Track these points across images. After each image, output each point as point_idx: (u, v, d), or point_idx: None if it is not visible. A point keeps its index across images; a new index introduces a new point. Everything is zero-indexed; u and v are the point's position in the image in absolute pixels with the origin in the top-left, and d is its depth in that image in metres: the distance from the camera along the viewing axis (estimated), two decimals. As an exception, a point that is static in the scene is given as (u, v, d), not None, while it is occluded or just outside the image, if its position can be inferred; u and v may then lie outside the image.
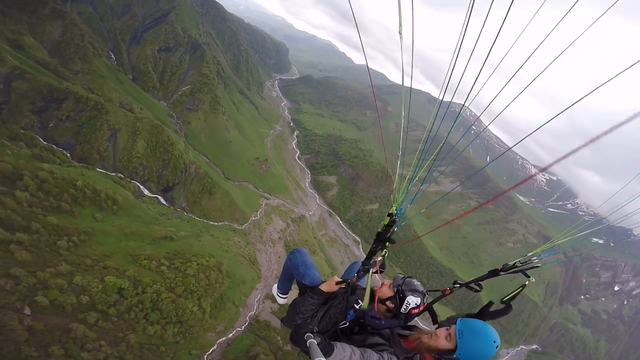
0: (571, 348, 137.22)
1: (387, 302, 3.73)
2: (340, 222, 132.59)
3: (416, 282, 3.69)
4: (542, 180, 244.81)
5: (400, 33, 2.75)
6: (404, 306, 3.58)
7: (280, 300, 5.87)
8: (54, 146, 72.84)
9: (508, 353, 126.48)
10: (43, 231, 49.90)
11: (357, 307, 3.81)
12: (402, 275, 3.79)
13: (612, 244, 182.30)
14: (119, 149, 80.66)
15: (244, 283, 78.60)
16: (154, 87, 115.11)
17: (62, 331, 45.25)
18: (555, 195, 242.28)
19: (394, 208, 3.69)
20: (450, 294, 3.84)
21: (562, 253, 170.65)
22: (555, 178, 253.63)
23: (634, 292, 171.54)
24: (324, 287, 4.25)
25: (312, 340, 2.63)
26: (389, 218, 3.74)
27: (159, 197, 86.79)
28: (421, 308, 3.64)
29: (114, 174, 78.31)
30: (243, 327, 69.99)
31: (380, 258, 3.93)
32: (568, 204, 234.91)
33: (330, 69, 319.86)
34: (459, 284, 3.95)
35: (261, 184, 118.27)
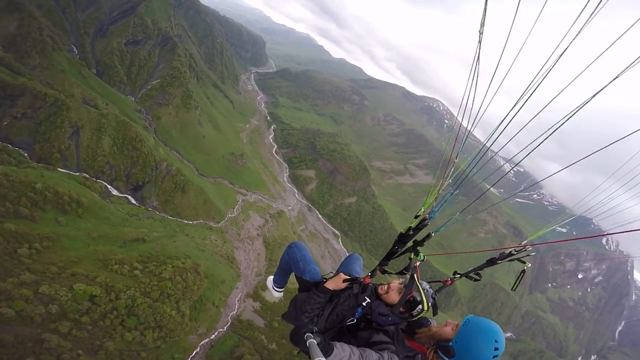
0: (543, 335, 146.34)
1: (400, 307, 3.70)
2: (320, 216, 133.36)
3: (427, 288, 3.70)
4: (510, 172, 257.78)
5: (480, 32, 2.69)
6: (416, 311, 3.58)
7: (276, 294, 5.77)
8: (9, 146, 67.62)
9: None
10: (0, 239, 46.64)
11: (364, 304, 3.79)
12: (423, 283, 3.76)
13: (574, 233, 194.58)
14: (83, 147, 76.24)
15: (223, 283, 77.58)
16: (121, 81, 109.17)
17: (33, 342, 43.50)
18: (522, 186, 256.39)
19: (423, 210, 3.53)
20: (451, 284, 3.98)
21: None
22: (522, 170, 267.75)
23: (595, 280, 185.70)
24: (329, 285, 4.16)
25: (312, 340, 2.63)
26: (416, 220, 3.57)
27: (129, 196, 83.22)
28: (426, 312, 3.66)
29: (77, 173, 74.03)
30: (225, 327, 69.30)
31: (418, 263, 3.74)
32: (534, 194, 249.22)
33: (309, 62, 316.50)
34: (459, 274, 4.03)
35: (237, 180, 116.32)
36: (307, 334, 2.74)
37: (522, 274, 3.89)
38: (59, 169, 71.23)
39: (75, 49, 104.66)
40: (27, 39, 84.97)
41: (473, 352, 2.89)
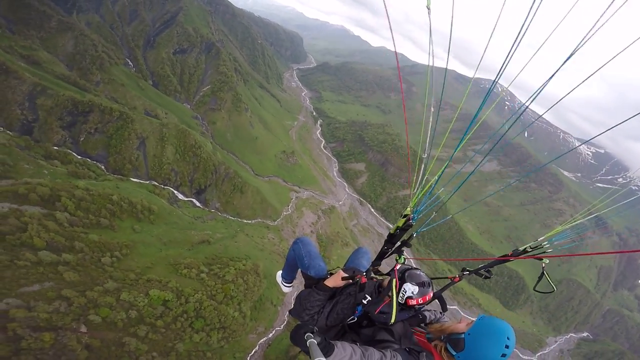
0: (626, 335, 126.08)
1: (386, 298, 3.55)
2: (372, 210, 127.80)
3: (419, 273, 3.48)
4: (587, 154, 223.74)
5: (428, 7, 2.61)
6: (400, 294, 3.39)
7: (285, 289, 5.71)
8: (88, 160, 73.10)
9: (556, 341, 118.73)
10: (87, 249, 49.54)
11: (365, 302, 3.65)
12: (407, 266, 3.60)
13: None
14: (150, 157, 80.00)
15: (282, 282, 77.01)
16: (175, 90, 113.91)
17: (116, 346, 45.73)
18: (604, 169, 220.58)
19: (409, 209, 3.39)
20: (459, 281, 3.75)
21: (614, 234, 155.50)
22: (602, 151, 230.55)
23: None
24: (329, 283, 4.06)
25: (312, 340, 2.55)
26: (403, 220, 3.47)
27: (193, 199, 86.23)
28: (421, 300, 3.36)
29: (147, 182, 77.95)
30: (282, 326, 69.61)
31: (399, 266, 3.52)
32: (619, 177, 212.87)
33: (347, 54, 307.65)
34: (468, 270, 3.80)
35: (290, 177, 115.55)
36: (307, 334, 2.65)
37: (542, 273, 3.61)
38: (132, 179, 75.47)
39: (130, 62, 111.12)
40: (85, 56, 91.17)
41: (484, 346, 2.73)
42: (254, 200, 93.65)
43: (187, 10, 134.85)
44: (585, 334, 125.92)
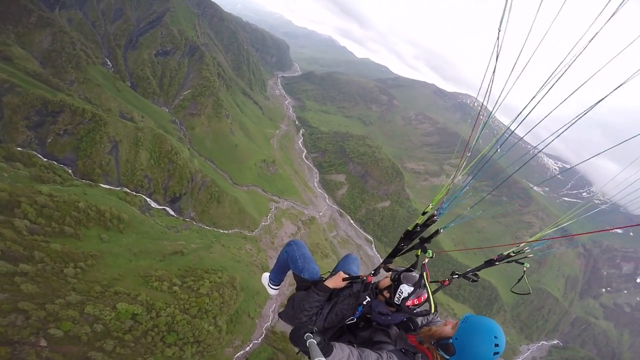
0: (594, 342, 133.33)
1: (384, 292, 3.64)
2: (352, 221, 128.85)
3: (414, 274, 3.52)
4: (554, 169, 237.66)
5: (499, 30, 2.62)
6: (397, 295, 3.45)
7: (271, 292, 5.63)
8: (55, 163, 69.24)
9: (529, 349, 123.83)
10: (47, 259, 46.57)
11: (365, 303, 3.66)
12: (401, 268, 3.67)
13: (631, 234, 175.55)
14: (122, 162, 76.88)
15: (258, 294, 75.88)
16: (154, 92, 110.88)
17: None
18: (570, 184, 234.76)
19: (431, 206, 3.34)
20: (449, 284, 3.78)
21: (579, 245, 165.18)
22: (568, 166, 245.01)
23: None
24: (329, 284, 4.05)
25: (311, 340, 2.57)
26: (423, 217, 3.38)
27: (167, 208, 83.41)
28: (416, 300, 3.39)
29: (118, 188, 74.67)
30: (260, 339, 68.39)
31: (426, 260, 3.44)
32: (583, 192, 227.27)
33: (333, 64, 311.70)
34: (457, 274, 3.90)
35: (270, 187, 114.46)
36: (306, 334, 2.67)
37: (523, 275, 3.90)
38: (101, 185, 72.11)
39: (109, 62, 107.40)
40: (61, 54, 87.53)
41: (473, 348, 2.76)
42: (231, 210, 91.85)
43: (174, 12, 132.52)
44: (555, 342, 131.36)
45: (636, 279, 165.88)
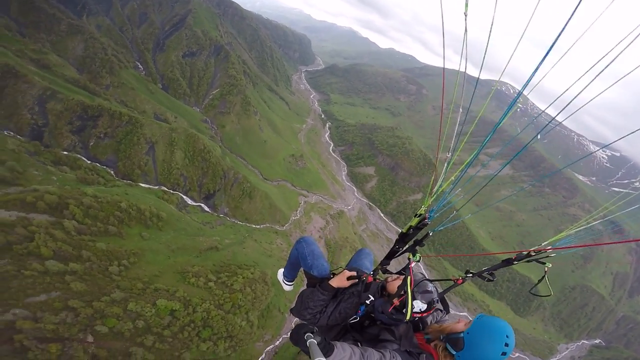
0: None
1: (395, 300, 3.48)
2: (382, 214, 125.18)
3: (431, 287, 3.38)
4: (603, 157, 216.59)
5: (465, 14, 2.55)
6: (408, 307, 3.29)
7: (286, 287, 5.69)
8: (98, 165, 72.44)
9: (567, 348, 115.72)
10: (94, 258, 48.50)
11: (368, 302, 3.63)
12: (422, 276, 3.56)
13: None
14: (159, 162, 79.10)
15: (289, 289, 75.68)
16: (185, 93, 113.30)
17: (123, 355, 44.80)
18: (620, 173, 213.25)
19: (424, 208, 3.32)
20: (462, 283, 3.70)
21: (630, 238, 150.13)
22: (618, 154, 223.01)
23: None
24: (334, 283, 3.98)
25: (312, 340, 2.55)
26: (417, 219, 3.41)
27: (202, 204, 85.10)
28: (425, 314, 3.30)
29: (157, 187, 76.99)
30: (289, 333, 68.87)
31: (414, 264, 3.46)
32: (635, 181, 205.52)
33: (355, 55, 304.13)
34: (471, 273, 3.74)
35: (298, 182, 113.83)
36: (307, 334, 2.65)
37: (543, 276, 3.64)
38: (141, 184, 74.60)
39: (139, 65, 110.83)
40: (95, 59, 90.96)
41: (484, 345, 2.72)
42: (262, 205, 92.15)
43: (196, 13, 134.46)
44: (597, 341, 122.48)
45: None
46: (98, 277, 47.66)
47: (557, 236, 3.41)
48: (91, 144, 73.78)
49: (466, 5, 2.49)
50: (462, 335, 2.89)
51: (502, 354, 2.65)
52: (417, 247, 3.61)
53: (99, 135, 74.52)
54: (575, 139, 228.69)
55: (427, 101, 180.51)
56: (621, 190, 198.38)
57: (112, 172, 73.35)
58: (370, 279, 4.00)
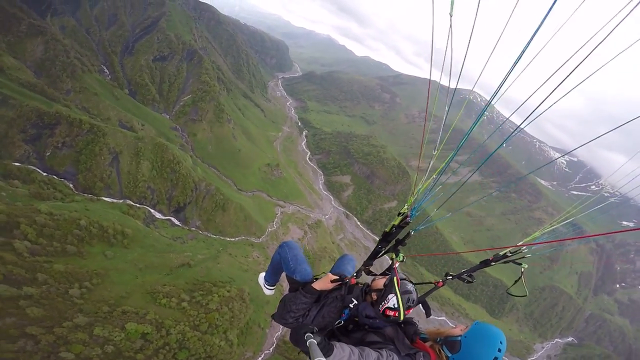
0: (609, 339, 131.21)
1: (373, 294, 3.63)
2: (358, 223, 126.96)
3: (410, 287, 3.47)
4: (562, 162, 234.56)
5: (450, 14, 2.64)
6: (383, 301, 3.40)
7: (267, 292, 5.65)
8: (55, 177, 67.48)
9: (543, 347, 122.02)
10: (51, 281, 44.90)
11: (351, 306, 3.64)
12: (404, 276, 3.62)
13: None
14: (124, 174, 75.10)
15: (268, 303, 74.37)
16: (154, 99, 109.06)
17: None
18: (578, 177, 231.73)
19: (406, 207, 3.39)
20: (442, 286, 3.78)
21: (591, 241, 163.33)
22: (575, 159, 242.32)
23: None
24: (317, 286, 3.96)
25: (312, 340, 2.58)
26: (399, 218, 3.45)
27: (172, 218, 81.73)
28: (396, 314, 3.32)
29: (121, 201, 72.92)
30: (271, 349, 67.32)
31: (397, 264, 3.58)
32: (592, 185, 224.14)
33: (333, 63, 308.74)
34: (451, 275, 3.90)
35: (275, 192, 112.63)
36: (307, 334, 2.68)
37: (520, 276, 3.85)
38: (104, 198, 70.36)
39: (105, 69, 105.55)
40: (55, 62, 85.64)
41: (479, 348, 2.92)
42: (237, 217, 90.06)
43: (170, 16, 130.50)
44: (570, 339, 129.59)
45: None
46: (57, 301, 44.17)
47: (529, 237, 3.62)
48: (47, 154, 68.69)
49: (452, 5, 2.56)
50: (459, 338, 3.05)
51: (494, 358, 2.85)
52: (399, 247, 3.67)
53: (56, 144, 69.60)
54: (537, 145, 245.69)
55: (400, 109, 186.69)
56: (580, 193, 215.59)
57: (71, 185, 68.62)
58: (354, 280, 3.97)
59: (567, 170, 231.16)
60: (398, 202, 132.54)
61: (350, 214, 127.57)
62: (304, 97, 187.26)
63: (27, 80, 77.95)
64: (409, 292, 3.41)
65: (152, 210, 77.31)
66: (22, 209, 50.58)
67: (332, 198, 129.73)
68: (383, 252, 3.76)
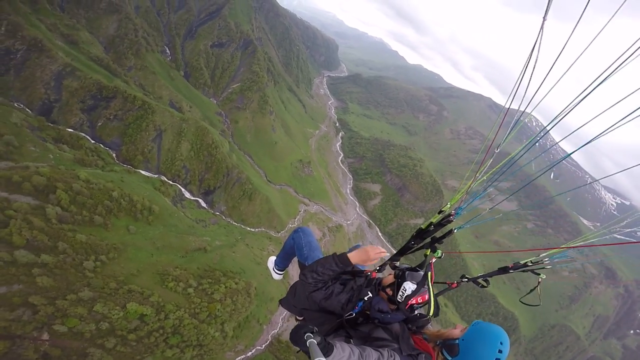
0: None
1: (387, 289, 3.44)
2: (380, 234, 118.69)
3: (420, 272, 3.33)
4: (611, 204, 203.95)
5: (544, 18, 2.39)
6: (400, 292, 3.26)
7: (276, 276, 5.47)
8: (101, 146, 68.45)
9: None
10: (70, 251, 44.10)
11: (366, 299, 3.40)
12: (407, 266, 3.49)
13: None
14: (164, 150, 74.71)
15: (272, 300, 70.95)
16: (205, 84, 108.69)
17: (78, 355, 40.56)
18: (625, 222, 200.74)
19: (449, 206, 3.15)
20: (456, 287, 3.60)
21: (621, 286, 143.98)
22: (628, 203, 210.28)
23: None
24: (353, 258, 3.45)
25: (312, 340, 2.46)
26: (439, 216, 3.23)
27: (200, 200, 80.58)
28: (419, 299, 3.21)
29: (156, 176, 72.62)
30: (264, 346, 63.84)
31: (434, 260, 3.39)
32: (639, 231, 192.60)
33: (381, 67, 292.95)
34: (467, 278, 3.67)
35: (302, 189, 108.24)
36: (307, 334, 2.55)
37: (537, 285, 3.70)
38: (141, 171, 70.29)
39: (167, 50, 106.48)
40: (124, 40, 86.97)
41: (478, 351, 2.72)
42: (261, 208, 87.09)
43: (233, 4, 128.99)
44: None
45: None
46: (69, 272, 43.32)
47: (553, 250, 3.30)
48: (99, 124, 69.81)
49: (547, 10, 2.25)
50: (457, 342, 2.85)
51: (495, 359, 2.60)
52: (436, 245, 3.32)
53: (108, 116, 70.45)
54: (588, 181, 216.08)
55: (446, 124, 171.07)
56: (623, 237, 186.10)
57: (114, 154, 69.31)
58: (375, 274, 3.72)
59: (615, 213, 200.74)
60: (425, 220, 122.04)
61: (373, 224, 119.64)
62: (347, 98, 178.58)
63: (97, 54, 79.87)
64: (418, 271, 3.30)
65: (182, 189, 76.53)
66: (63, 173, 50.64)
67: (358, 204, 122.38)
68: (416, 248, 3.48)
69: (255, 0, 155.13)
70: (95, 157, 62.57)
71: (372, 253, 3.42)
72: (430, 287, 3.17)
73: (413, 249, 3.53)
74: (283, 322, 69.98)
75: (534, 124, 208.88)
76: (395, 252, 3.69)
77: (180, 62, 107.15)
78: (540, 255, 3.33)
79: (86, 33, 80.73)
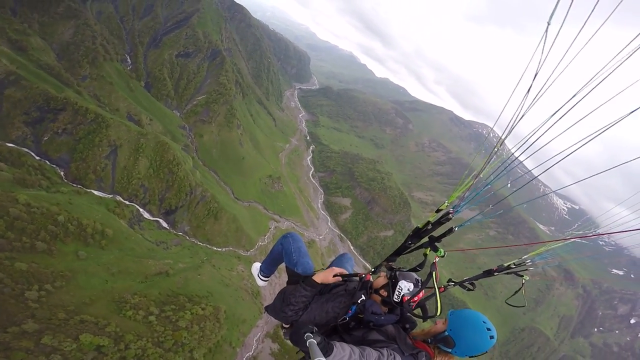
0: None
1: (381, 291, 3.51)
2: (352, 247, 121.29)
3: (412, 273, 3.49)
4: (563, 209, 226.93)
5: (548, 23, 2.39)
6: (396, 292, 3.31)
7: (260, 282, 5.45)
8: (47, 163, 63.93)
9: None
10: (8, 281, 40.50)
11: (359, 302, 3.47)
12: (398, 267, 3.62)
13: (632, 276, 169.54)
14: (119, 168, 71.31)
15: (244, 322, 69.31)
16: (168, 95, 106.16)
17: None
18: (576, 225, 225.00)
19: (446, 204, 3.11)
20: (444, 291, 3.59)
21: (579, 286, 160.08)
22: (577, 207, 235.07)
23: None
24: (317, 278, 3.73)
25: (312, 340, 2.52)
26: (436, 214, 3.22)
27: (160, 220, 77.29)
28: (416, 298, 3.33)
29: (110, 196, 68.86)
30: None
31: (437, 259, 3.36)
32: (589, 233, 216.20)
33: (351, 80, 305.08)
34: (453, 282, 3.82)
35: (272, 205, 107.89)
36: (307, 334, 2.61)
37: (520, 287, 3.92)
38: (93, 191, 66.34)
39: (129, 59, 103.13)
40: (79, 47, 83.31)
41: (469, 336, 2.92)
42: (228, 227, 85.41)
43: (203, 13, 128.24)
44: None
45: (630, 320, 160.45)
46: (9, 303, 39.73)
47: (534, 252, 3.52)
48: (45, 138, 65.38)
49: (552, 13, 2.29)
50: (446, 333, 3.02)
51: (490, 338, 2.84)
52: (436, 244, 3.32)
53: (56, 130, 66.32)
54: (541, 190, 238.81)
55: (411, 137, 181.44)
56: (576, 240, 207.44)
57: (62, 173, 64.93)
58: (369, 277, 3.70)
59: (567, 217, 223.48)
60: (394, 232, 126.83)
61: (345, 238, 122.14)
62: (317, 111, 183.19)
63: (47, 62, 75.42)
64: (410, 272, 3.39)
65: (141, 210, 73.11)
66: (0, 196, 46.69)
67: (329, 219, 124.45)
68: (413, 247, 3.44)
69: (226, 10, 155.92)
70: (39, 176, 58.27)
71: (330, 276, 3.70)
72: (436, 286, 3.18)
73: (410, 249, 3.56)
74: (257, 343, 68.52)
75: (490, 135, 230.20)
76: (389, 254, 3.79)
77: (142, 72, 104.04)
78: (522, 257, 3.52)
79: (38, 39, 76.22)
